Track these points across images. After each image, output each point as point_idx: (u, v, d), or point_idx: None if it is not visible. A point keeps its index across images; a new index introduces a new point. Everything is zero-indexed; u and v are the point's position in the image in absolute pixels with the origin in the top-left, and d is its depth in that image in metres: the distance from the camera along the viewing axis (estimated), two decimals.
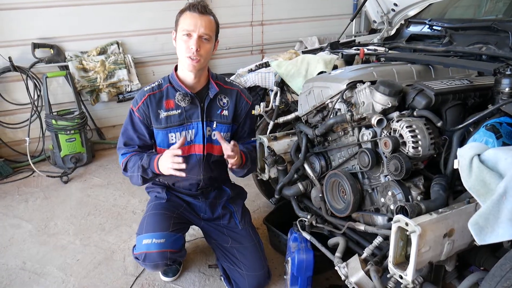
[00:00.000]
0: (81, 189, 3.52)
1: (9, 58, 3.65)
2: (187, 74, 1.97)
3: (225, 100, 2.09)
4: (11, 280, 2.37)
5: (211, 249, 2.42)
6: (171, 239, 1.98)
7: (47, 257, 2.57)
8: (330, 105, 1.86)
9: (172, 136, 2.03)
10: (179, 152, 1.82)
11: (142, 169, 1.94)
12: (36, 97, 3.85)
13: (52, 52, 3.92)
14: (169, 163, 1.83)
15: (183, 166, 1.82)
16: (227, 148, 1.90)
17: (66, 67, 3.96)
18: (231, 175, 2.31)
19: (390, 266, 1.29)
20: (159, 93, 2.01)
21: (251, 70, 2.83)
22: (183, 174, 1.85)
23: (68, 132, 3.83)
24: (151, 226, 2.01)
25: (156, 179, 2.14)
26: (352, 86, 1.75)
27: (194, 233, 2.72)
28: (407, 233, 1.20)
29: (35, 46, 3.81)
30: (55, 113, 3.87)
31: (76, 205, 3.22)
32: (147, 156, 1.97)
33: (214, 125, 2.06)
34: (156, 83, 2.04)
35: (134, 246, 2.11)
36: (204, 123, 2.03)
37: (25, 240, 2.77)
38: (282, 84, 2.54)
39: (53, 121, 3.78)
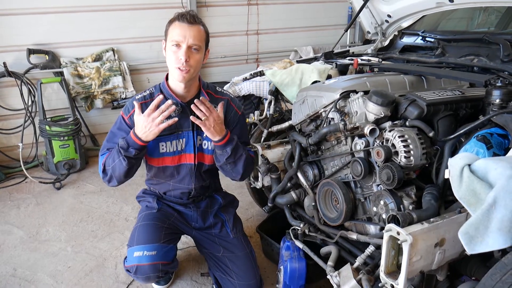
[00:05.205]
0: (73, 195, 3.49)
1: (4, 63, 3.64)
2: (177, 84, 1.95)
3: None
4: (2, 287, 2.34)
5: (204, 257, 2.40)
6: (162, 251, 1.96)
7: (38, 263, 2.55)
8: (323, 114, 1.88)
9: (163, 145, 2.01)
10: (157, 100, 1.78)
11: (123, 150, 1.82)
12: (30, 102, 3.84)
13: (47, 58, 3.92)
14: (149, 123, 1.78)
15: (167, 113, 1.77)
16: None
17: (61, 73, 3.96)
18: (225, 182, 2.30)
19: (382, 275, 1.29)
20: (151, 102, 1.99)
21: (245, 79, 2.84)
22: (175, 119, 1.81)
23: (62, 138, 3.81)
24: (142, 237, 1.98)
25: (142, 157, 1.99)
26: (345, 95, 1.77)
27: (186, 241, 2.71)
28: (399, 242, 1.20)
29: (30, 52, 3.81)
30: (49, 119, 3.85)
31: (68, 212, 3.20)
32: (121, 139, 1.87)
33: (205, 134, 2.05)
34: (148, 92, 2.02)
35: (125, 258, 2.09)
36: (195, 132, 2.02)
37: (16, 246, 2.74)
38: (276, 93, 2.56)
39: (47, 127, 3.77)
